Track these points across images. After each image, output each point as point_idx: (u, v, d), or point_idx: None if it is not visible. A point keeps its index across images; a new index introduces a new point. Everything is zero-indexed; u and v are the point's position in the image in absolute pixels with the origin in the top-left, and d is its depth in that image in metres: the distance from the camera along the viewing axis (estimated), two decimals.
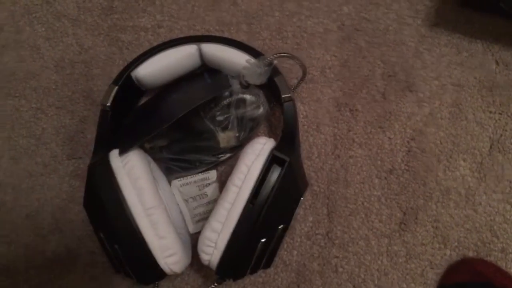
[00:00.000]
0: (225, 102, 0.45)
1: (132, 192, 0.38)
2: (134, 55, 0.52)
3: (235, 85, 0.45)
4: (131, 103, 0.50)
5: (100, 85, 0.52)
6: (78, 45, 0.53)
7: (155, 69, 0.46)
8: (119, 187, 0.38)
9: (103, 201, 0.37)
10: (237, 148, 0.49)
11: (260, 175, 0.38)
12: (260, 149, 0.39)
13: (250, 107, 0.45)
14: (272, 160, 0.38)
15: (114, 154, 0.40)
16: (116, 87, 0.44)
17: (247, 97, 0.45)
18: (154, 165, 0.46)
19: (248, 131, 0.46)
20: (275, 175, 0.38)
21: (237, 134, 0.46)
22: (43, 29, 0.54)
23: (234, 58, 0.45)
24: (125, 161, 0.39)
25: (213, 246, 0.38)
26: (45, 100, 0.52)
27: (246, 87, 0.45)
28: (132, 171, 0.39)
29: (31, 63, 0.53)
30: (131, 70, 0.45)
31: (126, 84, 0.45)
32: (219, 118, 0.45)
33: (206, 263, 0.39)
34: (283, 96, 0.43)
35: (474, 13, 0.51)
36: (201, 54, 0.47)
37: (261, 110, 0.46)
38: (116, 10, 0.53)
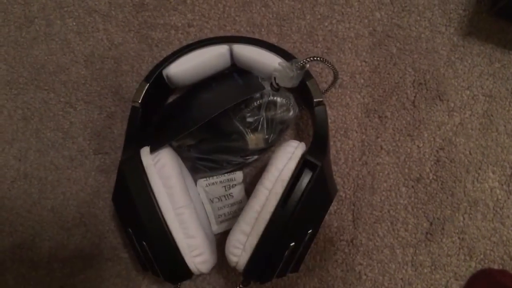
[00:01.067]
0: (256, 103, 0.45)
1: (162, 190, 0.38)
2: (164, 53, 0.52)
3: (266, 87, 0.45)
4: (160, 101, 0.50)
5: (128, 82, 0.52)
6: (108, 40, 0.53)
7: (186, 68, 0.46)
8: (150, 185, 0.38)
9: (133, 198, 0.37)
10: (264, 150, 0.48)
11: (291, 178, 0.37)
12: (292, 152, 0.39)
13: (280, 109, 0.45)
14: (303, 164, 0.38)
15: (145, 152, 0.40)
16: (147, 85, 0.44)
17: (278, 99, 0.45)
18: (181, 163, 0.46)
19: (277, 134, 0.46)
20: (306, 179, 0.37)
21: (266, 136, 0.45)
22: (74, 23, 0.54)
23: (265, 60, 0.45)
24: (156, 159, 0.39)
25: (242, 248, 0.38)
26: (74, 94, 0.52)
27: (277, 89, 0.45)
28: (163, 169, 0.39)
29: (61, 57, 0.53)
30: (163, 68, 0.45)
31: (156, 82, 0.45)
32: (249, 119, 0.45)
33: (233, 264, 0.39)
34: (315, 100, 0.42)
35: (508, 23, 0.51)
36: (232, 55, 0.47)
37: (291, 113, 0.45)
38: (147, 8, 0.53)
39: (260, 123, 0.45)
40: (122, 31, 0.53)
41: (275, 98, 0.45)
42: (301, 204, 0.37)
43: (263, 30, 0.52)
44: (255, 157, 0.48)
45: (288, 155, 0.38)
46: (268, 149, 0.49)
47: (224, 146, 0.46)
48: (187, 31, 0.53)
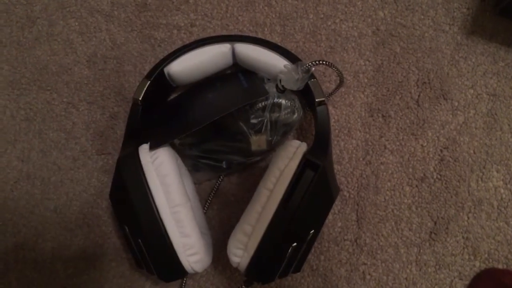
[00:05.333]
0: (260, 105, 0.45)
1: (159, 188, 0.38)
2: (166, 53, 0.52)
3: (271, 89, 0.44)
4: (162, 99, 0.50)
5: (131, 82, 0.52)
6: (111, 40, 0.53)
7: (188, 66, 0.46)
8: (147, 183, 0.38)
9: (130, 195, 0.37)
10: (267, 152, 0.48)
11: (292, 179, 0.37)
12: (293, 152, 0.39)
13: (284, 111, 0.45)
14: (305, 164, 0.37)
15: (143, 149, 0.40)
16: (149, 82, 0.44)
17: (283, 101, 0.45)
18: (180, 162, 0.46)
19: (280, 136, 0.46)
20: (308, 179, 0.37)
21: (269, 138, 0.45)
22: (76, 23, 0.54)
23: (267, 60, 0.45)
24: (154, 157, 0.39)
25: (244, 249, 0.38)
26: (77, 95, 0.52)
27: (282, 91, 0.45)
28: (161, 167, 0.39)
29: (64, 57, 0.53)
30: (164, 66, 0.45)
31: (158, 80, 0.45)
32: (253, 121, 0.45)
33: (235, 265, 0.39)
34: (316, 100, 0.42)
35: None
36: (234, 54, 0.47)
37: (295, 115, 0.45)
38: (150, 8, 0.53)
39: (264, 124, 0.45)
40: (125, 31, 0.53)
41: (280, 100, 0.45)
42: (302, 204, 0.36)
43: (266, 29, 0.52)
44: (257, 158, 0.48)
45: (290, 155, 0.38)
46: (271, 151, 0.49)
47: (227, 146, 0.46)
48: (189, 30, 0.53)
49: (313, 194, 0.37)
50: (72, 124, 0.52)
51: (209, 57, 0.46)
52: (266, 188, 0.38)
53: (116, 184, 0.40)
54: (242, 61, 0.47)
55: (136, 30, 0.53)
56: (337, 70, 0.42)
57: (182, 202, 0.38)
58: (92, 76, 0.52)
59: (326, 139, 0.41)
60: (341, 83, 0.44)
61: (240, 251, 0.38)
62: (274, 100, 0.44)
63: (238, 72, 0.48)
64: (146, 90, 0.44)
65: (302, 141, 0.41)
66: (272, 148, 0.47)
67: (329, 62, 0.41)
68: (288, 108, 0.45)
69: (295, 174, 0.37)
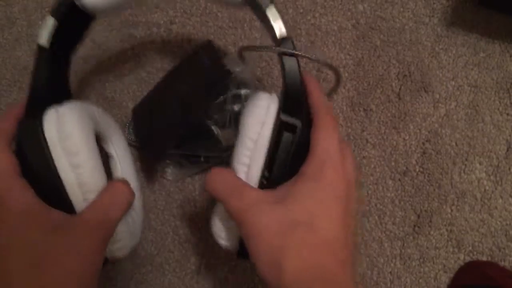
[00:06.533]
0: (221, 98, 0.44)
1: (69, 171, 0.30)
2: (146, 52, 0.52)
3: (237, 68, 0.43)
4: (79, 38, 0.38)
5: (111, 81, 0.52)
6: (90, 40, 0.53)
7: None
8: (54, 165, 0.30)
9: (38, 180, 0.30)
10: None
11: (270, 148, 0.31)
12: (264, 115, 0.31)
13: (246, 101, 0.44)
14: (280, 127, 0.30)
15: (50, 117, 0.31)
16: (54, 20, 0.33)
17: (242, 91, 0.44)
18: (106, 118, 0.39)
19: None
20: (287, 144, 0.30)
21: (236, 131, 0.44)
22: None
23: None
24: (61, 130, 0.30)
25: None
26: None
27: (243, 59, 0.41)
28: (68, 142, 0.30)
29: None
30: None
31: (69, 15, 0.34)
32: (216, 116, 0.44)
33: (224, 247, 0.35)
34: (278, 36, 0.31)
35: (492, 12, 0.50)
36: None
37: None
38: None
39: (228, 118, 0.44)
40: (104, 30, 0.53)
41: (238, 91, 0.44)
42: (286, 174, 0.31)
43: (245, 25, 0.52)
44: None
45: (261, 119, 0.31)
46: None
47: (201, 143, 0.46)
48: (169, 28, 0.52)
49: (296, 159, 0.31)
50: None
51: None
52: (243, 164, 0.32)
53: (20, 160, 0.31)
54: None
55: (115, 29, 0.53)
56: (309, 58, 0.33)
57: (96, 187, 0.31)
58: (72, 76, 0.51)
59: (297, 88, 0.32)
60: (337, 77, 0.37)
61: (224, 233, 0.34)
62: (233, 92, 0.44)
63: (204, 59, 0.47)
64: (55, 33, 0.33)
65: (270, 94, 0.33)
66: None
67: (301, 54, 0.32)
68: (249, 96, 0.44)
69: (271, 141, 0.31)
